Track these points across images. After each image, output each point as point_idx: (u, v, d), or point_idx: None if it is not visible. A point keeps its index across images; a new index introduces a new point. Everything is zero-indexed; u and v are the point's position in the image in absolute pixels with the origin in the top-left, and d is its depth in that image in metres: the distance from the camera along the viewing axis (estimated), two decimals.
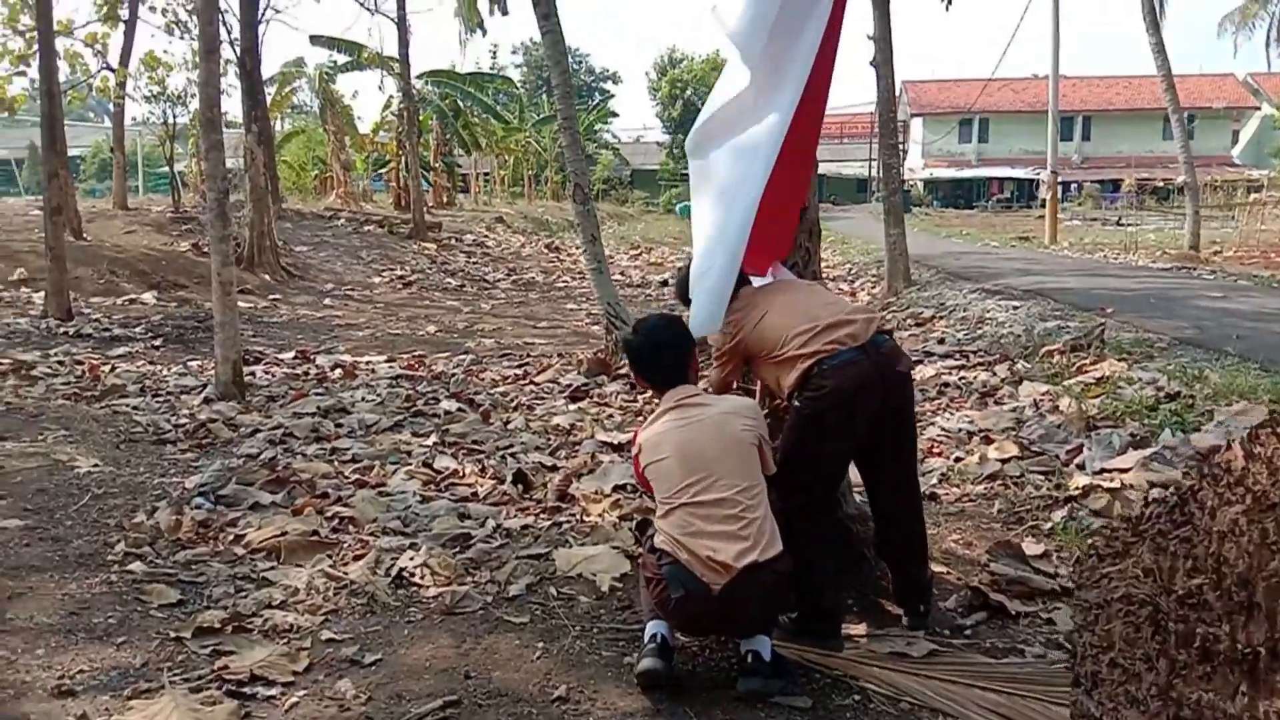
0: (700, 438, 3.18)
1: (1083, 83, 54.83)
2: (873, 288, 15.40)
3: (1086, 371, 7.50)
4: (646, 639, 3.25)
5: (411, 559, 4.09)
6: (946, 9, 17.95)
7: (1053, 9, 25.01)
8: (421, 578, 3.97)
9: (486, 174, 41.64)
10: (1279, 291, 12.63)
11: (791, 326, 3.38)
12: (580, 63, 64.64)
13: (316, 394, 7.65)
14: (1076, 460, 5.57)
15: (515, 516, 4.76)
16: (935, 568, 3.98)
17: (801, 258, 3.76)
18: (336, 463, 5.65)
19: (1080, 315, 10.23)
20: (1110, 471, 5.26)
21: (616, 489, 5.15)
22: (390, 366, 9.17)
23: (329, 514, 4.67)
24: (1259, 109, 54.12)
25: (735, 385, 3.73)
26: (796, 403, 3.36)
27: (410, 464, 5.61)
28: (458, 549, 4.31)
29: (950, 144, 55.78)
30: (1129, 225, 33.54)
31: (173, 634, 3.48)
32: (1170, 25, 38.37)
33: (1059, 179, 28.73)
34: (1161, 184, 42.44)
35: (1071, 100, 49.35)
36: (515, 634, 3.56)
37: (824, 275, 18.18)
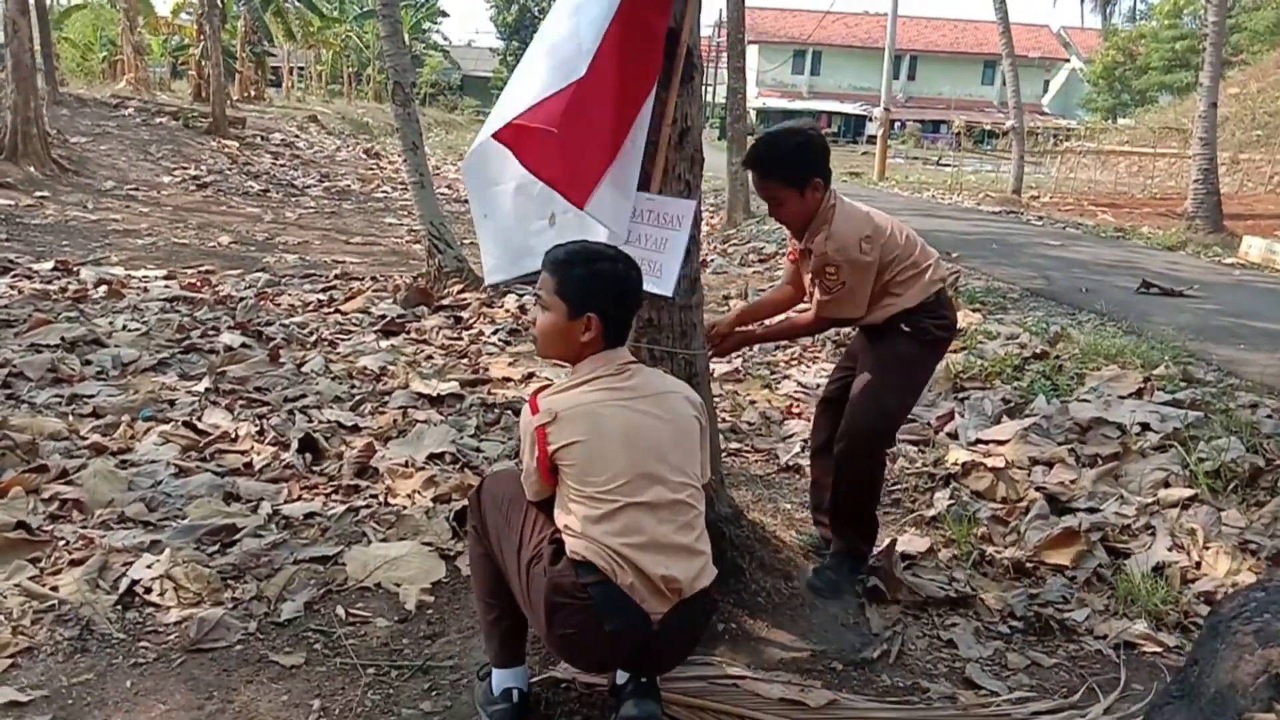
0: (652, 421, 2.34)
1: (910, 22, 55.67)
2: (711, 217, 14.76)
3: None
4: (496, 693, 2.49)
5: (149, 566, 3.08)
6: None
7: None
8: (161, 594, 2.97)
9: (301, 68, 38.48)
10: (1109, 241, 12.80)
11: (914, 244, 3.20)
12: None
13: (67, 318, 6.30)
14: (948, 428, 5.06)
15: (298, 499, 3.78)
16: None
17: (680, 191, 2.91)
18: (72, 417, 4.47)
19: None
20: (987, 443, 4.77)
21: (432, 459, 4.24)
22: (168, 285, 7.81)
23: (47, 494, 3.56)
24: (1068, 61, 56.72)
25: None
26: (908, 327, 3.17)
27: (169, 420, 4.49)
28: (216, 548, 3.31)
29: (784, 75, 55.75)
30: (948, 166, 34.36)
31: None
32: None
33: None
34: (990, 126, 43.78)
35: (900, 39, 49.92)
36: (283, 683, 2.64)
37: None
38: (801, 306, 3.44)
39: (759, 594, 3.10)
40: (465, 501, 3.69)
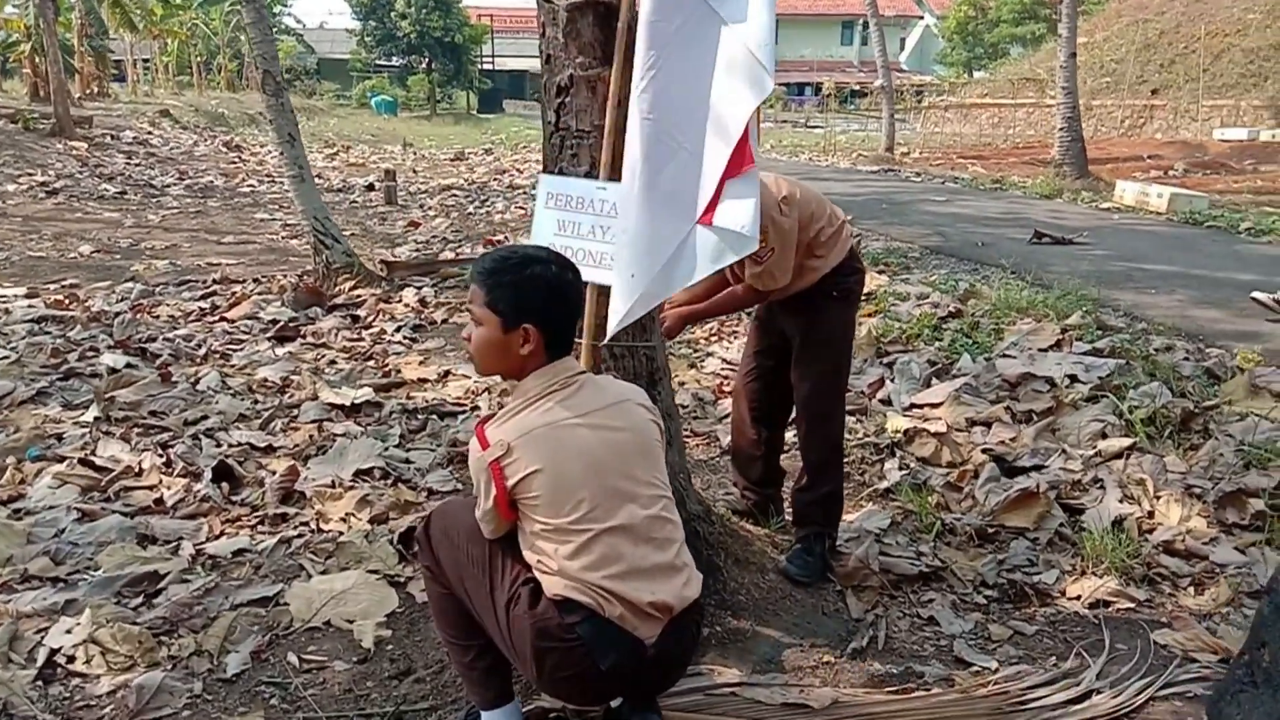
0: (611, 435, 2.14)
1: None
2: None
3: None
4: None
5: (68, 631, 2.74)
6: None
7: None
8: (87, 661, 2.65)
9: (146, 61, 36.38)
10: (989, 193, 13.14)
11: (823, 203, 3.21)
12: None
13: None
14: (879, 394, 5.04)
15: (222, 534, 3.46)
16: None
17: None
18: None
19: None
20: (922, 407, 4.77)
21: (360, 476, 3.96)
22: (31, 305, 7.16)
23: None
24: (922, 18, 58.28)
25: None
26: (837, 292, 3.21)
27: (61, 457, 4.08)
28: (140, 601, 2.99)
29: None
30: (818, 128, 34.91)
31: None
32: None
33: None
34: (856, 86, 44.60)
35: None
36: None
37: None
38: (727, 291, 3.33)
39: (739, 592, 2.98)
40: (409, 522, 3.48)
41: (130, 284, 8.15)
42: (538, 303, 2.13)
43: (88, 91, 26.88)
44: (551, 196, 2.65)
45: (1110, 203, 11.98)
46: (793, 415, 3.47)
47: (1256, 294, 6.21)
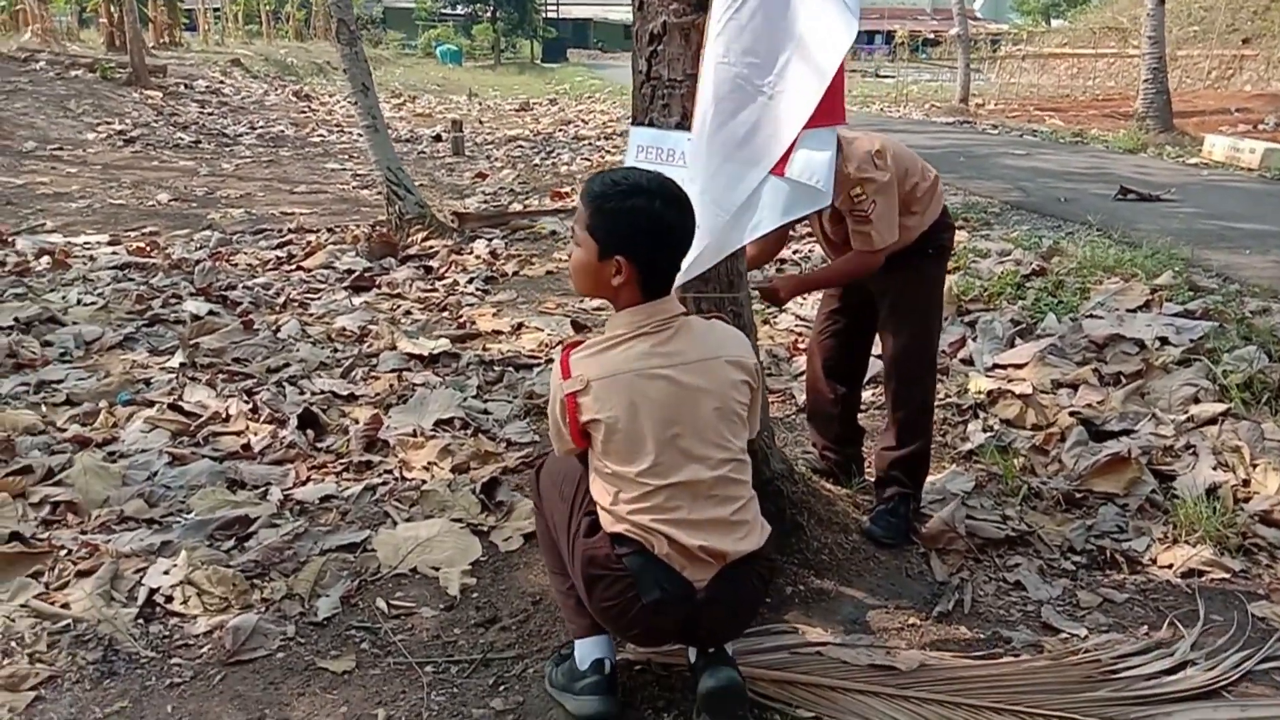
0: (694, 395, 2.11)
1: None
2: None
3: None
4: (584, 666, 2.31)
5: (166, 572, 2.82)
6: None
7: None
8: (184, 602, 2.73)
9: (216, 9, 36.72)
10: (1069, 147, 12.74)
11: (914, 157, 3.12)
12: None
13: (14, 295, 5.87)
14: (961, 354, 4.94)
15: (308, 480, 3.53)
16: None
17: (675, 123, 2.64)
18: (44, 407, 4.14)
19: None
20: (1005, 367, 4.67)
21: (440, 425, 4.00)
22: (114, 251, 7.35)
23: (36, 498, 3.26)
24: None
25: None
26: (933, 249, 3.15)
27: (151, 402, 4.18)
28: (232, 544, 3.07)
29: None
30: (888, 77, 34.10)
31: None
32: None
33: None
34: (931, 35, 43.42)
35: None
36: (338, 692, 2.43)
37: (611, 132, 16.79)
38: (842, 259, 3.25)
39: (821, 551, 2.95)
40: (490, 472, 3.51)
41: (208, 232, 8.30)
42: (634, 236, 2.09)
43: (161, 41, 27.21)
44: (642, 149, 2.60)
45: (1198, 158, 11.53)
46: (876, 374, 3.42)
47: None
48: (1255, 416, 3.90)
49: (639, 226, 2.08)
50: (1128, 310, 5.05)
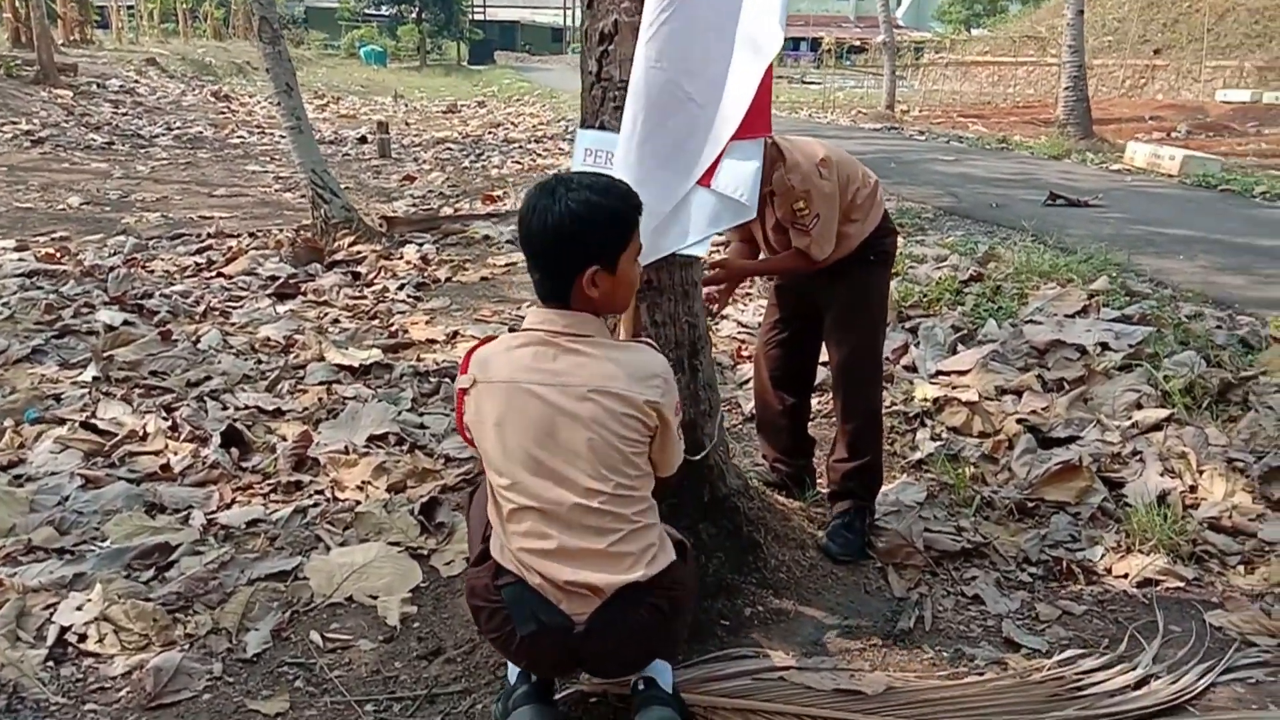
0: (563, 418, 1.97)
1: None
2: None
3: None
4: (513, 680, 2.21)
5: (79, 608, 2.60)
6: None
7: None
8: (100, 640, 2.52)
9: (130, 7, 35.55)
10: (996, 153, 12.93)
11: (855, 163, 3.08)
12: None
13: None
14: (904, 360, 4.91)
15: (233, 503, 3.32)
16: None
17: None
18: None
19: None
20: (949, 374, 4.64)
21: (374, 442, 3.82)
22: (21, 258, 6.95)
23: None
24: None
25: None
26: (874, 255, 3.08)
27: (61, 420, 3.91)
28: (152, 575, 2.85)
29: None
30: (814, 84, 34.46)
31: None
32: None
33: None
34: (857, 43, 44.02)
35: None
36: None
37: (541, 135, 16.65)
38: (782, 255, 3.17)
39: (779, 569, 2.86)
40: (427, 491, 3.34)
41: (122, 237, 7.92)
42: (521, 231, 2.05)
43: (71, 38, 26.23)
44: (589, 152, 2.48)
45: (1120, 164, 11.79)
46: (823, 381, 3.35)
47: None
48: (1198, 422, 3.92)
49: (521, 220, 2.03)
50: (1066, 315, 5.08)
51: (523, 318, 5.37)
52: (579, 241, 1.98)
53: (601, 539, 1.99)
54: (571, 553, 1.98)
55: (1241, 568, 3.13)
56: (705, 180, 2.30)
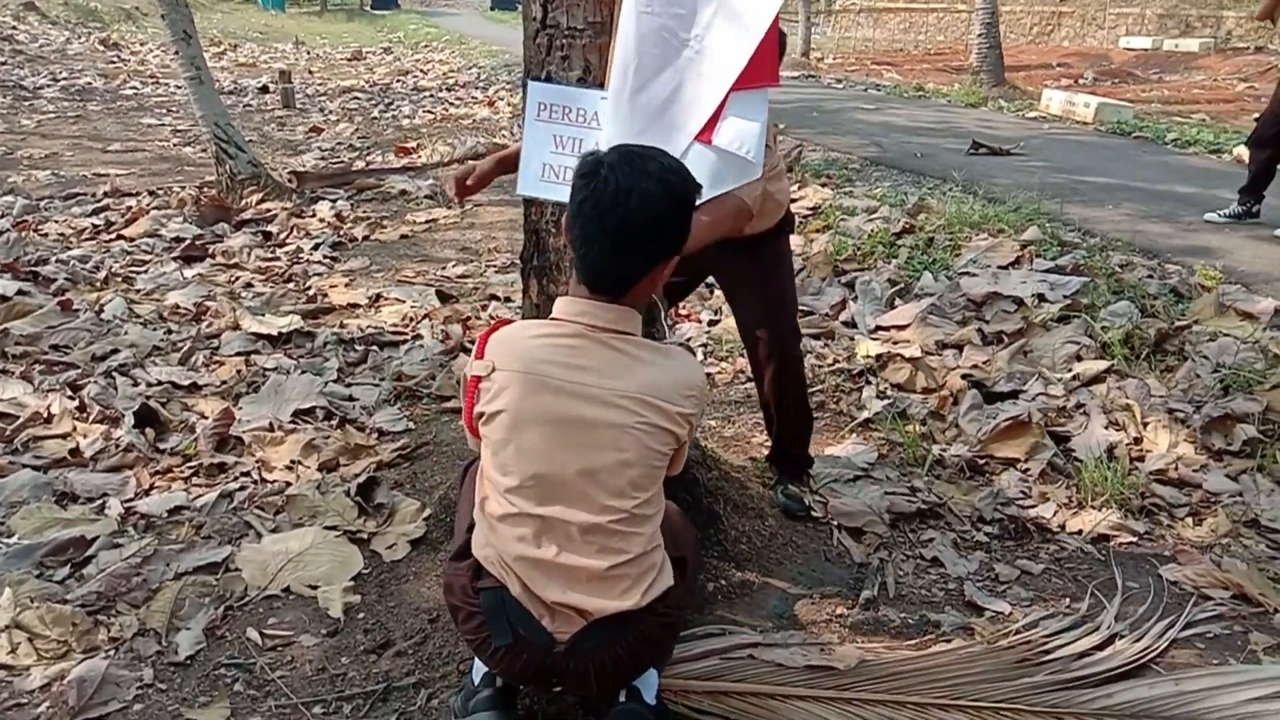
0: (588, 427, 1.80)
1: None
2: (511, 95, 13.91)
3: (795, 200, 6.85)
4: (477, 680, 2.06)
5: None
6: None
7: None
8: (13, 650, 2.30)
9: None
10: (915, 102, 12.95)
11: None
12: None
13: None
14: (843, 316, 4.85)
15: (152, 489, 3.09)
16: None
17: (578, 78, 2.35)
18: None
19: None
20: (889, 329, 4.60)
21: (300, 416, 3.60)
22: None
23: None
24: None
25: None
26: (785, 227, 2.92)
27: None
28: (68, 571, 2.63)
29: None
30: None
31: None
32: None
33: None
34: None
35: None
36: None
37: (453, 83, 16.12)
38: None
39: (740, 540, 2.77)
40: (362, 469, 3.16)
41: (10, 197, 7.38)
42: (570, 211, 1.83)
43: None
44: (544, 107, 2.30)
45: (1037, 111, 11.92)
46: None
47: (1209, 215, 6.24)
48: (1137, 373, 3.95)
49: (596, 198, 1.77)
50: (1000, 267, 5.07)
51: (448, 278, 5.14)
52: (671, 230, 1.82)
53: (604, 559, 1.84)
54: (568, 569, 1.84)
55: (1190, 520, 3.15)
56: (705, 136, 2.13)
